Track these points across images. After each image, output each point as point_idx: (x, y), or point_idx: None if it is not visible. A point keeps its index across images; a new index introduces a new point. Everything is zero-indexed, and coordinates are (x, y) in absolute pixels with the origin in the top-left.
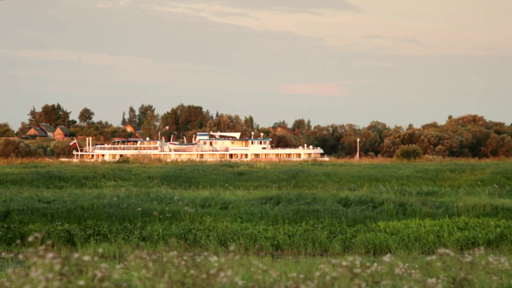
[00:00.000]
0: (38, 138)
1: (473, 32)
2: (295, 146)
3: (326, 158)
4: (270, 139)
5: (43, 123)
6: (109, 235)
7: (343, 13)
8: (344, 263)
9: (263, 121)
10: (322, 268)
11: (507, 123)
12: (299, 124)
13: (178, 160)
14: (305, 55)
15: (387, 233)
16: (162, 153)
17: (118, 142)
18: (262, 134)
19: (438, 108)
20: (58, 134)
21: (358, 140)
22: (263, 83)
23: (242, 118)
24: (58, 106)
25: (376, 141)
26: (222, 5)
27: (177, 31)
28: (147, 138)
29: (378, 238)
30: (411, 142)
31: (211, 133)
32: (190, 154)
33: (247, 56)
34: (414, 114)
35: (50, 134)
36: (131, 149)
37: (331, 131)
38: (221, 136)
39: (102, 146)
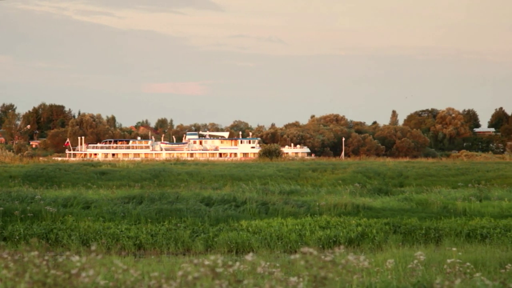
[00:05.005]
0: None
1: (335, 32)
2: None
3: (312, 157)
4: (259, 139)
5: None
6: None
7: (207, 13)
8: (206, 262)
9: (126, 120)
10: (184, 267)
11: (368, 123)
12: (162, 123)
13: (169, 159)
14: (169, 55)
15: (250, 232)
16: (154, 152)
17: (110, 141)
18: (250, 133)
19: (301, 108)
20: None
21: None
22: (126, 82)
23: (104, 117)
24: None
25: None
26: (85, 4)
27: (41, 30)
28: (139, 138)
29: (241, 237)
30: (274, 141)
31: (201, 132)
32: (181, 153)
33: (110, 55)
34: (277, 114)
35: None
36: (123, 148)
37: (194, 130)
38: (210, 136)
39: (95, 145)
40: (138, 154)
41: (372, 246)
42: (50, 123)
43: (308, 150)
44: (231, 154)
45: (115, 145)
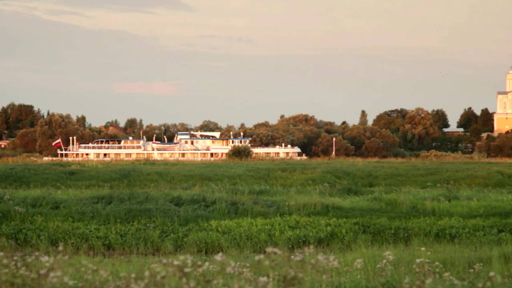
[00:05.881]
0: None
1: (305, 32)
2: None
3: (303, 157)
4: (250, 138)
5: None
6: None
7: (177, 13)
8: (175, 263)
9: (96, 120)
10: (153, 267)
11: (337, 123)
12: (131, 123)
13: (161, 159)
14: (139, 54)
15: (219, 232)
16: (145, 152)
17: (102, 141)
18: (242, 133)
19: (270, 108)
20: None
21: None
22: (96, 82)
23: (74, 117)
24: None
25: None
26: (55, 4)
27: (10, 29)
28: (130, 138)
29: (210, 237)
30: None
31: (192, 132)
32: (172, 153)
33: (80, 54)
34: (246, 114)
35: None
36: (114, 148)
37: (163, 130)
38: (202, 136)
39: (87, 145)
40: (130, 154)
41: (342, 246)
42: (19, 123)
43: (298, 150)
44: (222, 154)
45: (106, 145)
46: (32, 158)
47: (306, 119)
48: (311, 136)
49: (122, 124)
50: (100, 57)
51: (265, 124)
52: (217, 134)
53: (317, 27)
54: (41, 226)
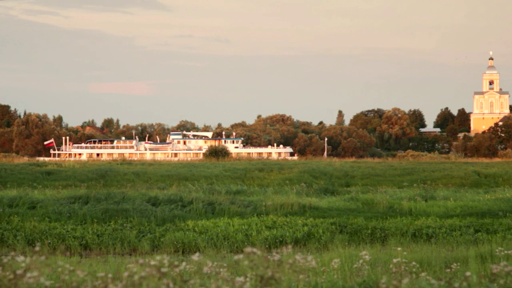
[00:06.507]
0: None
1: (281, 32)
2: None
3: (295, 158)
4: (242, 138)
5: None
6: None
7: (154, 13)
8: (152, 263)
9: (72, 120)
10: (130, 267)
11: (314, 123)
12: (108, 123)
13: (154, 159)
14: (116, 54)
15: (196, 232)
16: (138, 152)
17: (95, 141)
18: (234, 133)
19: (247, 108)
20: None
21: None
22: (73, 82)
23: (51, 117)
24: None
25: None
26: (32, 3)
27: None
28: (123, 138)
29: (187, 237)
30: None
31: (185, 132)
32: (165, 153)
33: (57, 54)
34: (223, 114)
35: None
36: (107, 148)
37: (140, 130)
38: (194, 136)
39: (80, 145)
40: (123, 154)
41: (319, 246)
42: None
43: (290, 150)
44: None
45: (99, 145)
46: (23, 158)
47: (283, 119)
48: (288, 136)
49: (99, 124)
50: (77, 57)
51: (242, 124)
52: (209, 134)
53: (293, 27)
54: (17, 226)
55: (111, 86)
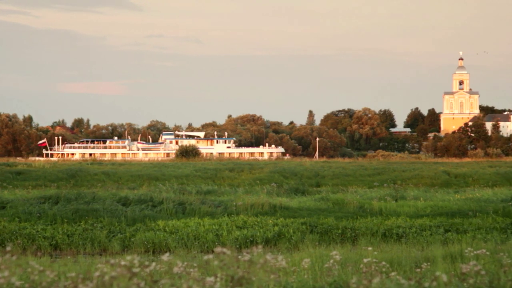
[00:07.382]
0: None
1: (254, 32)
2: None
3: (288, 157)
4: (234, 138)
5: None
6: None
7: (125, 12)
8: (122, 263)
9: (43, 120)
10: (100, 267)
11: (285, 123)
12: (78, 123)
13: (146, 159)
14: (86, 54)
15: (167, 232)
16: (131, 152)
17: (88, 141)
18: (226, 133)
19: (218, 108)
20: None
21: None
22: (42, 82)
23: (21, 117)
24: None
25: (155, 140)
26: (2, 3)
27: None
28: (115, 138)
29: (158, 237)
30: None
31: (177, 132)
32: (157, 153)
33: (26, 54)
34: (194, 113)
35: None
36: (100, 148)
37: (110, 130)
38: (186, 136)
39: (72, 145)
40: (115, 154)
41: (289, 246)
42: None
43: (282, 150)
44: (207, 153)
45: (92, 145)
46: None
47: (253, 119)
48: (258, 136)
49: (69, 124)
50: (48, 57)
51: (212, 124)
52: (201, 134)
53: (264, 27)
54: None
55: (82, 86)
